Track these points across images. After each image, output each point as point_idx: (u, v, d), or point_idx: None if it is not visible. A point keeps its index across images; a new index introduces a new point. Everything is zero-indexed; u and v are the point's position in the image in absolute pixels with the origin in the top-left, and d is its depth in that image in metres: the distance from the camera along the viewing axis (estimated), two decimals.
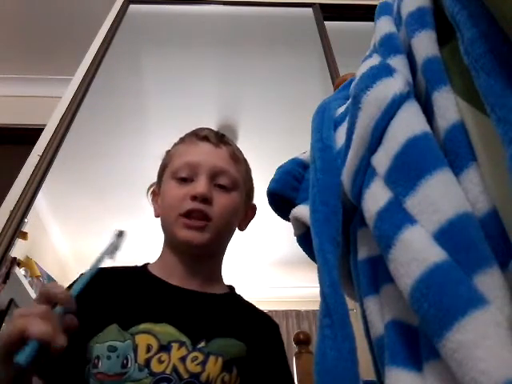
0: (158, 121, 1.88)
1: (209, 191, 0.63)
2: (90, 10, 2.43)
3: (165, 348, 0.54)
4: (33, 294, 2.09)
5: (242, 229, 0.74)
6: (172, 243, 0.67)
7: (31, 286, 2.09)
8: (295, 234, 0.46)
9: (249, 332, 0.61)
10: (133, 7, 1.98)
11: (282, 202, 0.49)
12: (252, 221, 0.76)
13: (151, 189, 0.75)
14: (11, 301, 1.99)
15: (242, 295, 0.71)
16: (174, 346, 0.55)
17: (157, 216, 0.70)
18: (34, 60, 2.76)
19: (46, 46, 2.68)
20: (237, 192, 0.67)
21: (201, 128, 0.74)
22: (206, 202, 0.63)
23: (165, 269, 0.66)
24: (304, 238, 0.44)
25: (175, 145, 0.74)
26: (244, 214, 0.73)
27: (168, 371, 0.53)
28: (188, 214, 0.62)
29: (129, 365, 0.52)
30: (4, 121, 2.56)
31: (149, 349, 0.54)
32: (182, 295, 0.62)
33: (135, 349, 0.53)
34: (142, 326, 0.56)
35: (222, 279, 0.71)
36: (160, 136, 1.99)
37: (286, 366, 0.64)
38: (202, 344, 0.56)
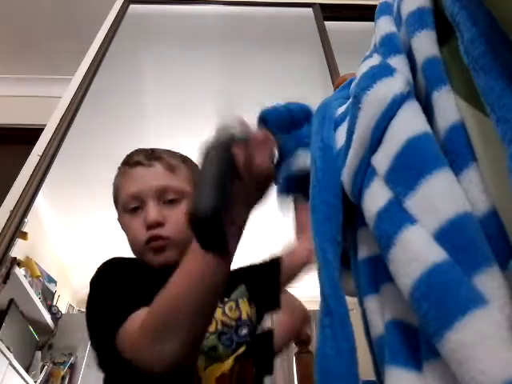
0: (158, 120, 1.88)
1: (158, 216, 0.67)
2: (89, 10, 2.43)
3: None
4: (33, 294, 2.09)
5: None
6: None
7: (31, 286, 2.09)
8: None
9: (243, 276, 0.75)
10: (133, 7, 1.98)
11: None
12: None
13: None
14: (11, 301, 1.99)
15: None
16: None
17: (129, 243, 0.74)
18: (34, 60, 2.76)
19: (46, 45, 2.68)
20: (187, 200, 0.71)
21: (131, 154, 0.77)
22: (160, 225, 0.67)
23: None
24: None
25: (115, 177, 0.78)
26: None
27: (219, 327, 0.64)
28: (149, 242, 0.67)
29: None
30: (4, 121, 2.56)
31: None
32: None
33: None
34: None
35: None
36: (160, 136, 1.99)
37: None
38: (226, 298, 0.69)
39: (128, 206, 0.70)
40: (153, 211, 0.67)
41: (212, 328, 0.64)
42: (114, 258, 0.69)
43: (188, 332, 0.46)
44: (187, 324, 0.46)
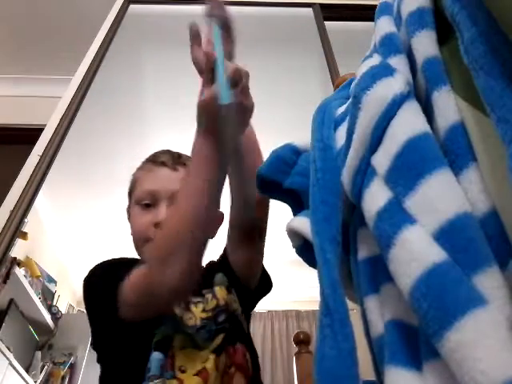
0: (157, 120, 1.88)
1: None
2: (90, 10, 2.43)
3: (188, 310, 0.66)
4: (33, 294, 2.10)
5: (211, 237, 0.77)
6: None
7: (31, 286, 2.09)
8: (293, 246, 0.47)
9: (220, 265, 0.74)
10: (133, 7, 1.98)
11: (270, 184, 0.50)
12: (220, 228, 0.80)
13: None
14: (11, 301, 1.99)
15: None
16: (192, 306, 0.66)
17: (132, 234, 0.75)
18: (34, 60, 2.76)
19: (46, 45, 2.68)
20: None
21: (158, 152, 0.79)
22: None
23: None
24: (303, 249, 0.44)
25: (137, 170, 0.80)
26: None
27: (198, 323, 0.64)
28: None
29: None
30: (4, 121, 2.56)
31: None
32: None
33: None
34: None
35: None
36: (160, 135, 1.99)
37: None
38: (206, 290, 0.68)
39: (141, 201, 0.72)
40: (164, 211, 0.69)
41: (191, 322, 0.64)
42: (106, 260, 0.70)
43: (190, 252, 0.55)
44: (189, 242, 0.54)
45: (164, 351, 0.61)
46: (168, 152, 0.78)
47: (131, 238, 0.74)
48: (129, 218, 0.77)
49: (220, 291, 0.69)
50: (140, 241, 0.71)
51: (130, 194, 0.78)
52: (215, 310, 0.66)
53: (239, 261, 0.73)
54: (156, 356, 0.60)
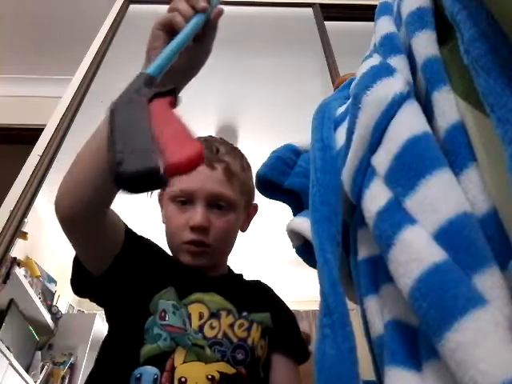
0: None
1: (205, 221, 0.67)
2: (90, 9, 2.43)
3: (214, 315, 0.63)
4: (33, 294, 2.09)
5: (243, 231, 0.78)
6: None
7: (31, 286, 2.09)
8: (293, 246, 0.47)
9: (271, 305, 0.70)
10: (133, 7, 1.98)
11: (270, 185, 0.50)
12: (254, 218, 0.80)
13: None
14: (11, 301, 1.99)
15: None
16: (223, 313, 0.63)
17: (164, 222, 0.74)
18: (33, 60, 2.76)
19: (46, 46, 2.68)
20: (234, 211, 0.71)
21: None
22: (204, 230, 0.68)
23: None
24: (303, 249, 0.44)
25: None
26: (245, 217, 0.77)
27: (219, 336, 0.61)
28: (189, 243, 0.68)
29: (186, 326, 0.61)
30: (4, 121, 2.55)
31: (201, 316, 0.62)
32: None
33: (189, 317, 0.62)
34: (194, 297, 0.64)
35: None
36: None
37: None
38: (245, 313, 0.65)
39: (177, 198, 0.70)
40: (200, 215, 0.67)
41: (210, 333, 0.61)
42: None
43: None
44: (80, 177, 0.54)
45: (159, 366, 0.56)
46: (205, 142, 0.73)
47: (165, 234, 0.73)
48: (161, 206, 0.76)
49: (256, 331, 0.64)
50: (175, 243, 0.69)
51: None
52: (238, 342, 0.62)
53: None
54: (149, 370, 0.55)
